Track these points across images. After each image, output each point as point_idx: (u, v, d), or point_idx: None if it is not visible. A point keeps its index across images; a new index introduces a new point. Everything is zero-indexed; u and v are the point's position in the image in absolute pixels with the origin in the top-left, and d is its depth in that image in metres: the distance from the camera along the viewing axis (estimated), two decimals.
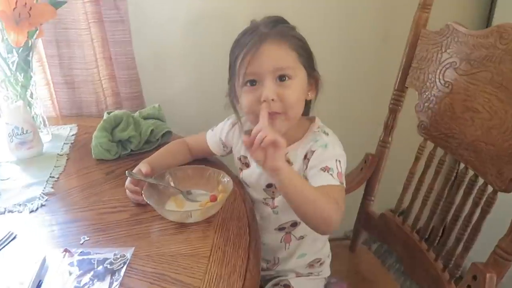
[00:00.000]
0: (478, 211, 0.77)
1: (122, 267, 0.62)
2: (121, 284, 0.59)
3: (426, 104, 0.91)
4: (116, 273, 0.61)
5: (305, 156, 0.76)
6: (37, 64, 1.17)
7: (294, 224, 0.84)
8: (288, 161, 0.78)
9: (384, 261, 1.45)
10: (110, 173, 0.90)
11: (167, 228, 0.72)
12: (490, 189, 0.75)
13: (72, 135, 1.09)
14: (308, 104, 0.80)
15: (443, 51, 0.88)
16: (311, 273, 0.90)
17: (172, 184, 0.80)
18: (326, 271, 0.92)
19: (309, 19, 1.26)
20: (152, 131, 0.99)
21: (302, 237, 0.86)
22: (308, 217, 0.66)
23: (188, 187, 0.81)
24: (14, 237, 0.70)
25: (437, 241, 0.89)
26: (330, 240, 0.97)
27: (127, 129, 0.96)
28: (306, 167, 0.75)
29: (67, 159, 0.97)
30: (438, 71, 0.88)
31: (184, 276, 0.60)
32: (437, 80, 0.89)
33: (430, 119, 0.90)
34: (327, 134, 0.78)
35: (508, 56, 0.73)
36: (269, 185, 0.81)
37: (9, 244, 0.69)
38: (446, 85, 0.86)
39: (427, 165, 0.93)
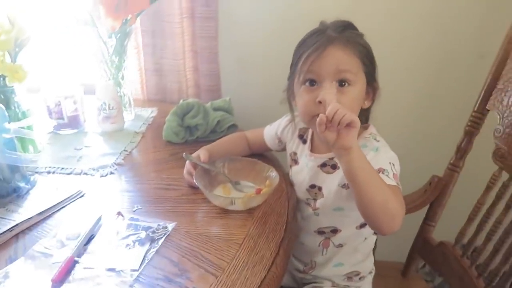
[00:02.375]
0: None
1: (162, 237, 0.68)
2: (156, 251, 0.64)
3: (507, 130, 0.83)
4: (156, 242, 0.67)
5: None
6: (134, 51, 1.31)
7: (335, 231, 0.83)
8: (335, 166, 0.79)
9: None
10: (174, 155, 0.97)
11: (210, 211, 0.76)
12: None
13: (151, 117, 1.20)
14: (365, 112, 0.79)
15: None
16: (348, 286, 0.87)
17: (223, 172, 0.84)
18: (366, 287, 0.89)
19: (400, 30, 1.22)
20: (218, 122, 1.04)
21: (341, 245, 0.84)
22: (374, 206, 0.61)
23: (238, 177, 0.84)
24: (82, 195, 0.80)
25: (496, 281, 0.80)
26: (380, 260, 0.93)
27: (197, 117, 1.03)
28: None
29: (141, 137, 1.07)
30: None
31: (213, 257, 0.64)
32: None
33: (509, 146, 0.82)
34: (378, 141, 0.76)
35: None
36: (312, 186, 0.82)
37: (77, 201, 0.79)
38: None
39: (499, 196, 0.84)
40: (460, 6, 1.17)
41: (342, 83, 0.71)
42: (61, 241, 0.67)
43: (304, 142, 0.86)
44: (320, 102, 0.69)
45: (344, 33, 0.73)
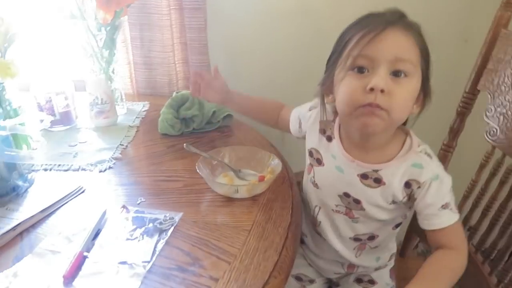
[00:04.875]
0: None
1: (170, 228, 0.67)
2: (166, 242, 0.64)
3: (498, 109, 0.85)
4: (164, 233, 0.66)
5: (407, 184, 0.67)
6: (122, 44, 1.28)
7: (372, 238, 0.77)
8: (380, 180, 0.69)
9: None
10: (171, 147, 0.96)
11: (215, 200, 0.76)
12: None
13: (144, 110, 1.19)
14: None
15: None
16: (386, 264, 0.88)
17: (225, 161, 0.84)
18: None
19: None
20: (214, 112, 1.04)
21: (376, 247, 0.80)
22: None
23: (240, 166, 0.84)
24: (83, 191, 0.79)
25: (494, 254, 0.83)
26: None
27: (192, 108, 1.02)
28: (408, 197, 0.69)
29: (136, 131, 1.05)
30: None
31: (224, 244, 0.64)
32: None
33: (500, 125, 0.84)
34: (430, 157, 0.69)
35: None
36: (346, 194, 0.72)
37: (78, 197, 0.78)
38: None
39: (492, 173, 0.87)
40: None
41: (398, 73, 0.61)
42: (67, 237, 0.66)
43: (329, 139, 0.75)
44: (372, 89, 0.59)
45: (403, 18, 0.64)
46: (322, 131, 0.77)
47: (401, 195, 0.69)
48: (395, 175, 0.68)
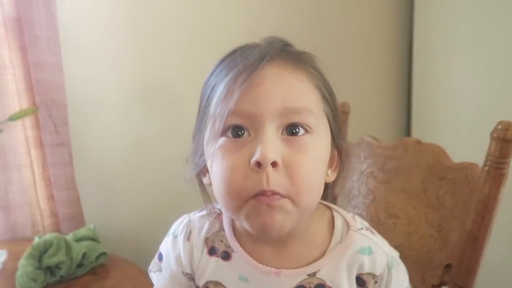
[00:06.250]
0: None
1: None
2: None
3: (354, 210, 0.96)
4: None
5: (360, 281, 0.49)
6: None
7: None
8: (323, 286, 0.48)
9: None
10: None
11: None
12: None
13: (0, 262, 1.03)
14: (326, 189, 0.51)
15: (362, 161, 0.96)
16: None
17: None
18: None
19: None
20: (84, 254, 0.95)
21: None
22: None
23: None
24: None
25: None
26: None
27: (58, 253, 0.92)
28: None
29: None
30: (361, 179, 0.95)
31: None
32: (361, 188, 0.95)
33: None
34: (373, 232, 0.52)
35: (414, 166, 0.81)
36: None
37: None
38: (369, 192, 0.92)
39: None
40: None
41: (294, 128, 0.42)
42: None
43: (227, 257, 0.51)
44: (258, 164, 0.40)
45: (289, 48, 0.47)
46: (212, 251, 0.52)
47: None
48: (339, 271, 0.48)
